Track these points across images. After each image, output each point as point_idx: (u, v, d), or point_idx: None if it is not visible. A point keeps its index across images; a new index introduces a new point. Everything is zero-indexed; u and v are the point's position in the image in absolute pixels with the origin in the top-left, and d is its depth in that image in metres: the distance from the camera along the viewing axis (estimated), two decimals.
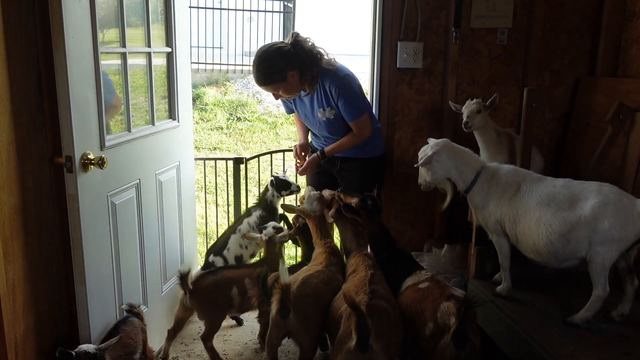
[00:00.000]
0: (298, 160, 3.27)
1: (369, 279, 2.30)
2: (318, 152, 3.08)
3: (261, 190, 3.52)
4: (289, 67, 2.81)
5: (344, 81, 2.91)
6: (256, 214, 3.35)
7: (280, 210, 3.30)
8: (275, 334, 2.36)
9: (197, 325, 3.32)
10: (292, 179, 3.46)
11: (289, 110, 3.28)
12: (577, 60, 3.51)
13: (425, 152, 2.58)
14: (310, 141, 3.32)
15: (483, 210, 2.51)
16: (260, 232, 3.06)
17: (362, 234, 2.68)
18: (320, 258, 2.63)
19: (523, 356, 2.30)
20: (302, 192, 3.04)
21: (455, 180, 2.58)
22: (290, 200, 4.13)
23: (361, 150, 3.11)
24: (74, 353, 2.16)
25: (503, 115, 3.52)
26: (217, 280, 2.88)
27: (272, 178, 3.36)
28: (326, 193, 2.83)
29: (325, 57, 2.92)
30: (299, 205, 2.86)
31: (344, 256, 2.72)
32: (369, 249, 2.72)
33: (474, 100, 3.02)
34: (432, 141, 2.63)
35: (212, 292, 2.86)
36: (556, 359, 2.10)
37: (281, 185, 3.33)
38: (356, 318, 1.94)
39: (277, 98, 3.02)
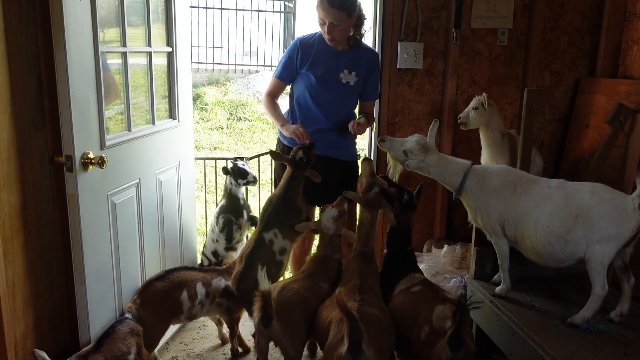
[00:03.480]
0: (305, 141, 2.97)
1: (358, 288, 2.30)
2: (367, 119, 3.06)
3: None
4: (356, 5, 2.89)
5: (379, 59, 3.19)
6: (220, 204, 3.35)
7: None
8: (262, 341, 2.33)
9: (196, 325, 3.32)
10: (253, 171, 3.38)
11: (282, 75, 3.08)
12: (578, 61, 3.51)
13: (408, 147, 2.54)
14: (278, 139, 3.20)
15: (480, 212, 2.52)
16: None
17: (373, 236, 2.63)
18: (305, 266, 2.64)
19: (523, 357, 2.30)
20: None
21: (439, 182, 2.61)
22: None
23: (346, 151, 3.13)
24: None
25: (503, 116, 3.52)
26: (165, 286, 2.76)
27: (231, 163, 3.30)
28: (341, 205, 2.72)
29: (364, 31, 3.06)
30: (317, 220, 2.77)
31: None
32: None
33: (477, 97, 3.05)
34: (418, 141, 2.54)
35: (162, 299, 2.72)
36: (556, 359, 2.10)
37: (238, 173, 3.27)
38: (349, 323, 1.92)
39: (329, 32, 2.89)
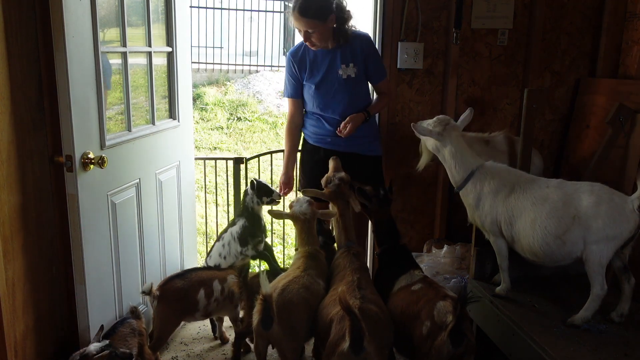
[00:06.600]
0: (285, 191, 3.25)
1: (356, 284, 2.30)
2: (364, 111, 3.02)
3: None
4: (331, 9, 2.82)
5: (372, 40, 3.12)
6: (240, 223, 3.12)
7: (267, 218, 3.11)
8: (260, 343, 2.32)
9: (196, 325, 3.32)
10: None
11: (292, 93, 3.12)
12: (578, 61, 3.51)
13: (429, 121, 2.62)
14: (304, 139, 3.22)
15: (478, 210, 2.52)
16: (242, 245, 3.05)
17: (351, 228, 2.70)
18: (298, 263, 2.57)
19: (523, 357, 2.30)
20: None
21: (447, 171, 2.60)
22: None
23: (371, 146, 3.11)
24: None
25: (503, 116, 3.52)
26: (185, 284, 2.76)
27: (252, 180, 3.13)
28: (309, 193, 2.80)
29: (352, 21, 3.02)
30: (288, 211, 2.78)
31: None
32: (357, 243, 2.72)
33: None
34: (439, 117, 2.62)
35: (181, 297, 2.73)
36: (556, 359, 2.10)
37: (262, 190, 3.08)
38: (350, 321, 1.93)
39: (306, 40, 2.90)
